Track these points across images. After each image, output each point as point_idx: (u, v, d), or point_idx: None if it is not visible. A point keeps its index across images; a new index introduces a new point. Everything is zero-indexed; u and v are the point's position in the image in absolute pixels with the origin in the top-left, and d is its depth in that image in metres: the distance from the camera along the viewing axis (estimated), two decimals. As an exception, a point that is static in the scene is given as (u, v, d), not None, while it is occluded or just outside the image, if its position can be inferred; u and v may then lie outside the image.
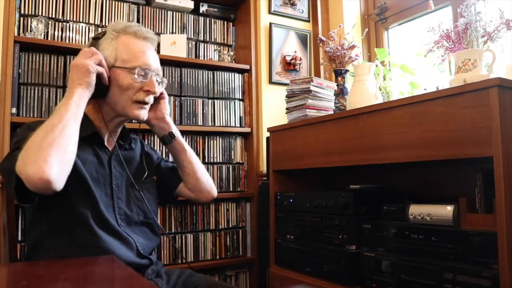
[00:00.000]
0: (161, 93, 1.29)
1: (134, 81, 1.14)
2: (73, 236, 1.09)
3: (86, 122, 1.13)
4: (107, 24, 2.18)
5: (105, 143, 1.21)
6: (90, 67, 1.08)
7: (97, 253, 1.07)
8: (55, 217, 1.10)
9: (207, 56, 2.44)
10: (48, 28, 2.03)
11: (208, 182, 1.41)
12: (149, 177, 1.33)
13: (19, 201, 1.03)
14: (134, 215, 1.22)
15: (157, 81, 1.20)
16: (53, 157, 0.95)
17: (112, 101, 1.16)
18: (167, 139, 1.34)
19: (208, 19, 2.48)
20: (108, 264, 0.79)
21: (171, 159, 1.47)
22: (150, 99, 1.20)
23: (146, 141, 2.20)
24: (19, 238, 1.83)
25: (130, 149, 1.31)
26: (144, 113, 1.19)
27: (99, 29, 2.16)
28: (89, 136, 1.15)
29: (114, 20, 2.20)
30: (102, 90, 1.13)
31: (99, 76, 1.10)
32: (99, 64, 1.11)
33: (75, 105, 1.04)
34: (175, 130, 1.34)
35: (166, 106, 1.33)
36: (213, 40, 2.48)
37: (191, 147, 2.27)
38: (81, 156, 1.10)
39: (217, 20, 2.51)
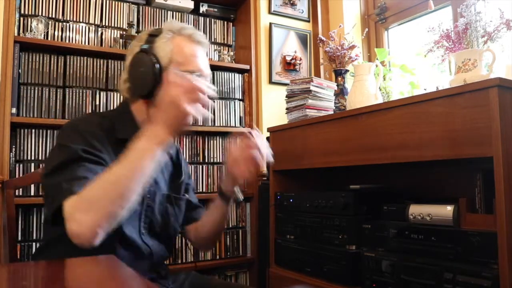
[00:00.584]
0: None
1: None
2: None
3: (131, 122, 1.11)
4: (107, 24, 2.18)
5: None
6: (188, 119, 0.99)
7: None
8: None
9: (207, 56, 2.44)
10: (48, 28, 2.03)
11: (215, 243, 1.36)
12: (184, 195, 1.29)
13: (52, 223, 0.98)
14: (157, 227, 1.18)
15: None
16: (108, 222, 0.89)
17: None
18: (229, 199, 1.25)
19: (208, 19, 2.48)
20: (108, 264, 0.79)
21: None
22: None
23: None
24: (19, 238, 1.83)
25: (172, 157, 1.25)
26: (190, 119, 1.15)
27: (99, 29, 2.16)
28: (131, 139, 1.08)
29: (115, 20, 2.20)
30: (155, 90, 1.07)
31: (156, 76, 1.06)
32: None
33: (155, 160, 0.95)
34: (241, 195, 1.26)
35: (263, 165, 1.17)
36: (213, 40, 2.48)
37: (191, 147, 2.27)
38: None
39: (217, 20, 2.51)
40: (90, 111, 2.05)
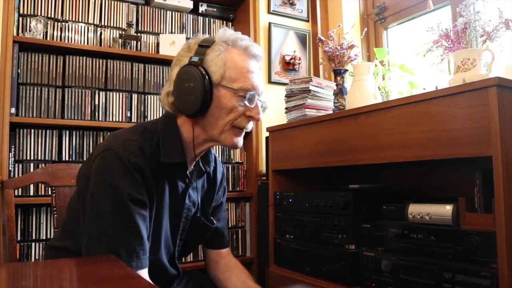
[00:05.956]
0: None
1: (239, 104, 1.01)
2: None
3: (178, 146, 1.02)
4: (106, 24, 2.18)
5: (188, 171, 1.09)
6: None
7: None
8: None
9: (206, 56, 2.44)
10: (47, 28, 2.03)
11: None
12: (213, 224, 1.22)
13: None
14: (185, 244, 1.17)
15: (262, 106, 1.07)
16: None
17: (209, 123, 1.02)
18: None
19: (207, 19, 2.48)
20: (108, 264, 0.79)
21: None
22: (250, 126, 1.06)
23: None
24: (19, 238, 1.83)
25: (206, 174, 1.18)
26: (240, 141, 1.06)
27: (98, 29, 2.16)
28: (176, 164, 1.03)
29: (114, 20, 2.20)
30: (204, 108, 0.99)
31: (207, 94, 0.98)
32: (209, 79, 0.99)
33: None
34: None
35: None
36: (212, 40, 2.48)
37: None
38: (160, 192, 1.01)
39: (216, 20, 2.51)
40: (89, 111, 2.05)
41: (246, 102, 1.01)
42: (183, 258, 2.15)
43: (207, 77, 0.98)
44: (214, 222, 1.21)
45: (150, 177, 0.97)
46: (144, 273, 0.94)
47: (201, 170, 1.14)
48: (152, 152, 0.99)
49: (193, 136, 1.03)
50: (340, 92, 2.01)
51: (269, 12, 2.54)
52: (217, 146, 2.32)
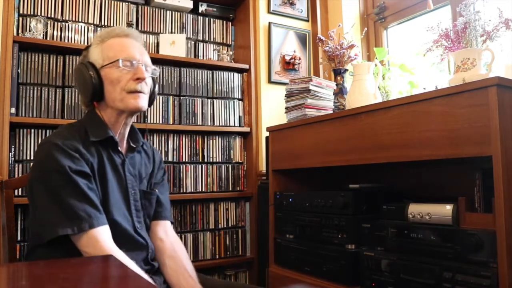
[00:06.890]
0: None
1: (122, 72, 1.16)
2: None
3: (102, 125, 1.18)
4: (106, 24, 2.18)
5: (119, 147, 1.22)
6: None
7: None
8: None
9: (206, 55, 2.44)
10: (47, 28, 2.03)
11: None
12: (154, 191, 1.33)
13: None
14: (145, 220, 1.25)
15: (146, 70, 1.20)
16: None
17: (110, 99, 1.18)
18: None
19: (207, 18, 2.48)
20: (107, 264, 0.79)
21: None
22: (143, 87, 1.19)
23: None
24: (19, 238, 1.83)
25: (141, 151, 1.32)
26: (141, 102, 1.19)
27: (98, 28, 2.16)
28: (104, 140, 1.17)
29: (114, 20, 2.20)
30: (98, 90, 1.17)
31: (93, 78, 1.16)
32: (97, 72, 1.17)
33: None
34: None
35: None
36: (212, 39, 2.48)
37: (191, 147, 2.27)
38: (100, 166, 1.14)
39: (216, 20, 2.51)
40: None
41: (127, 68, 1.16)
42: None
43: (90, 65, 1.17)
44: (156, 191, 1.31)
45: (87, 154, 1.12)
46: (106, 229, 1.06)
47: (131, 146, 1.28)
48: (82, 136, 1.15)
49: (100, 116, 1.19)
50: (340, 92, 2.01)
51: (269, 12, 2.54)
52: (215, 146, 2.32)
